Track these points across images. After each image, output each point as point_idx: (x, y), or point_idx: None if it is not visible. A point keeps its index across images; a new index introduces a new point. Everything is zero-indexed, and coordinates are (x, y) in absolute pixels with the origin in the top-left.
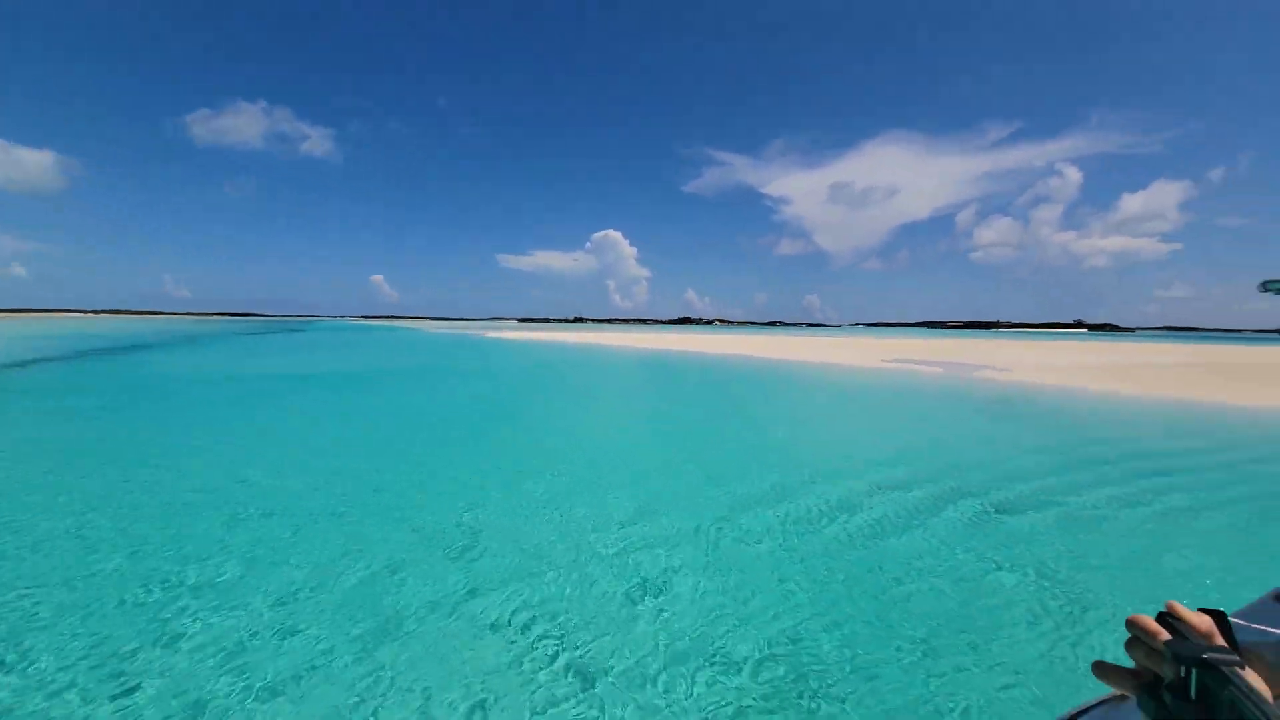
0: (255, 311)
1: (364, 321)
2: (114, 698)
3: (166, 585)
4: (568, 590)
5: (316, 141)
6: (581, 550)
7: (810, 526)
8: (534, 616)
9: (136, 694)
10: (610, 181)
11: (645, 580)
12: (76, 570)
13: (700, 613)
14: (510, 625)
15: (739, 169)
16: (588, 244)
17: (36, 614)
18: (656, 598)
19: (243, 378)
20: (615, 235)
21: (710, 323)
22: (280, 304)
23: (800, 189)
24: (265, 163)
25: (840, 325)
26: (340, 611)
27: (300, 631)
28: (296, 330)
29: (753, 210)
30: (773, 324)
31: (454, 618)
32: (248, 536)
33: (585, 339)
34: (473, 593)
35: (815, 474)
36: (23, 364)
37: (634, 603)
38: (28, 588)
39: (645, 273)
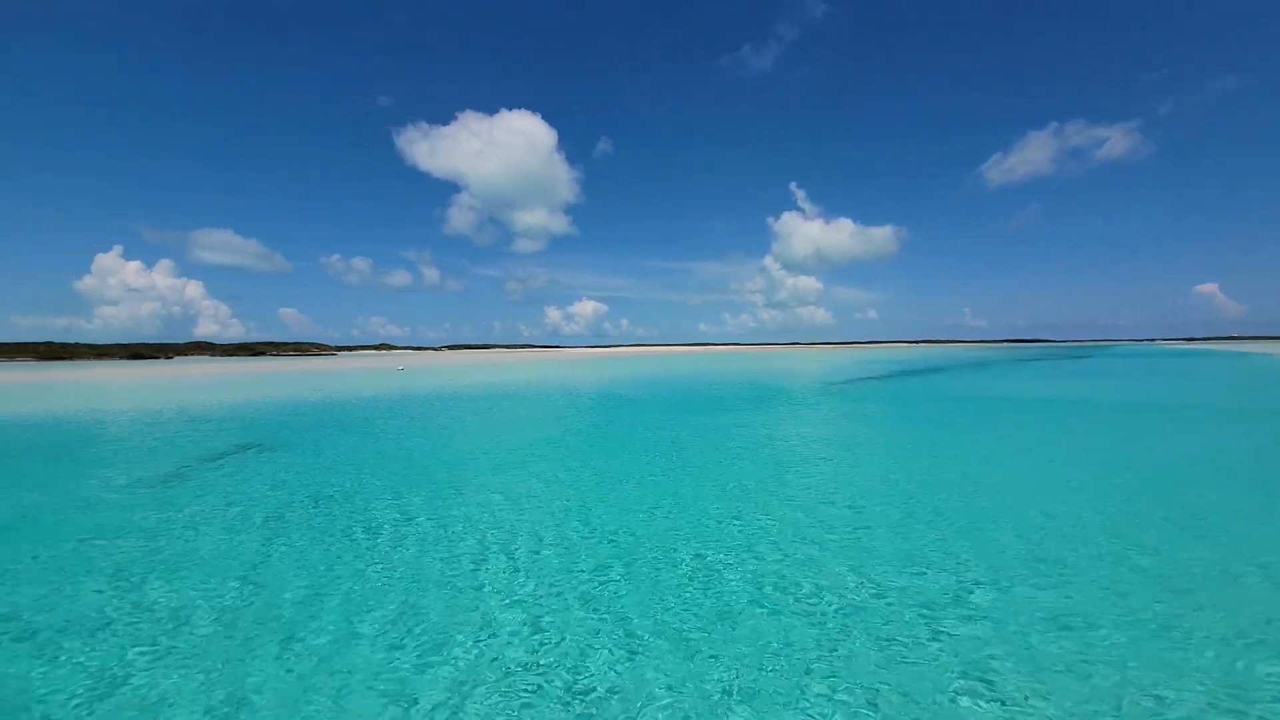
0: (1037, 338)
1: (1183, 345)
2: None
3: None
4: None
5: (1116, 141)
6: None
7: None
8: None
9: None
10: None
11: None
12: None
13: None
14: None
15: None
16: None
17: None
18: None
19: (1002, 399)
20: None
21: None
22: (1064, 329)
23: None
24: (1051, 185)
25: None
26: None
27: None
28: (1080, 356)
29: None
30: None
31: None
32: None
33: None
34: None
35: None
36: (857, 379)
37: None
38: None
39: None
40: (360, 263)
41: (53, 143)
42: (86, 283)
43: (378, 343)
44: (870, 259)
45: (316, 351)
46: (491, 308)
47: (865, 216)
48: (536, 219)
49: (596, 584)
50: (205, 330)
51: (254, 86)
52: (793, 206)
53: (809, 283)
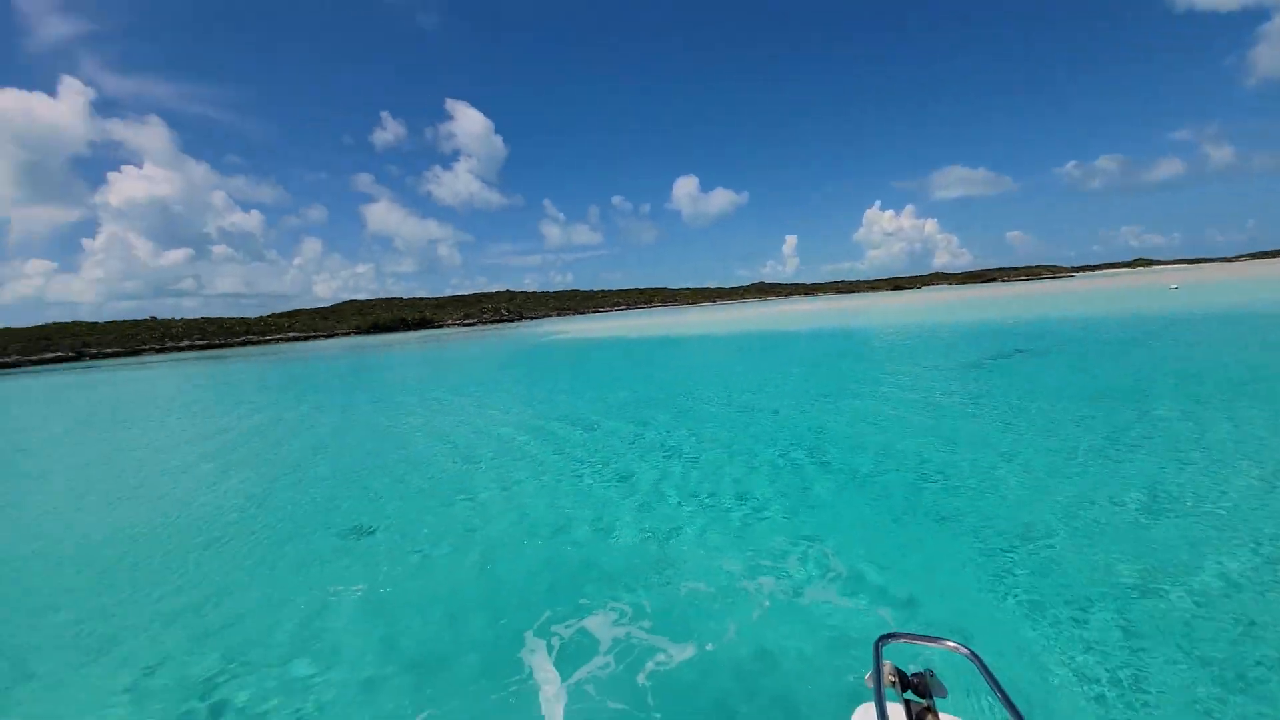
0: None
1: None
2: None
3: None
4: None
5: None
6: None
7: None
8: None
9: None
10: None
11: None
12: None
13: None
14: None
15: None
16: None
17: None
18: None
19: None
20: None
21: None
22: None
23: None
24: None
25: None
26: None
27: None
28: None
29: None
30: None
31: None
32: None
33: None
34: None
35: None
36: None
37: None
38: None
39: None
40: (1106, 162)
41: (827, 123)
42: (859, 234)
43: (1130, 259)
44: None
45: (1049, 274)
46: None
47: None
48: None
49: None
50: (940, 261)
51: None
52: None
53: None
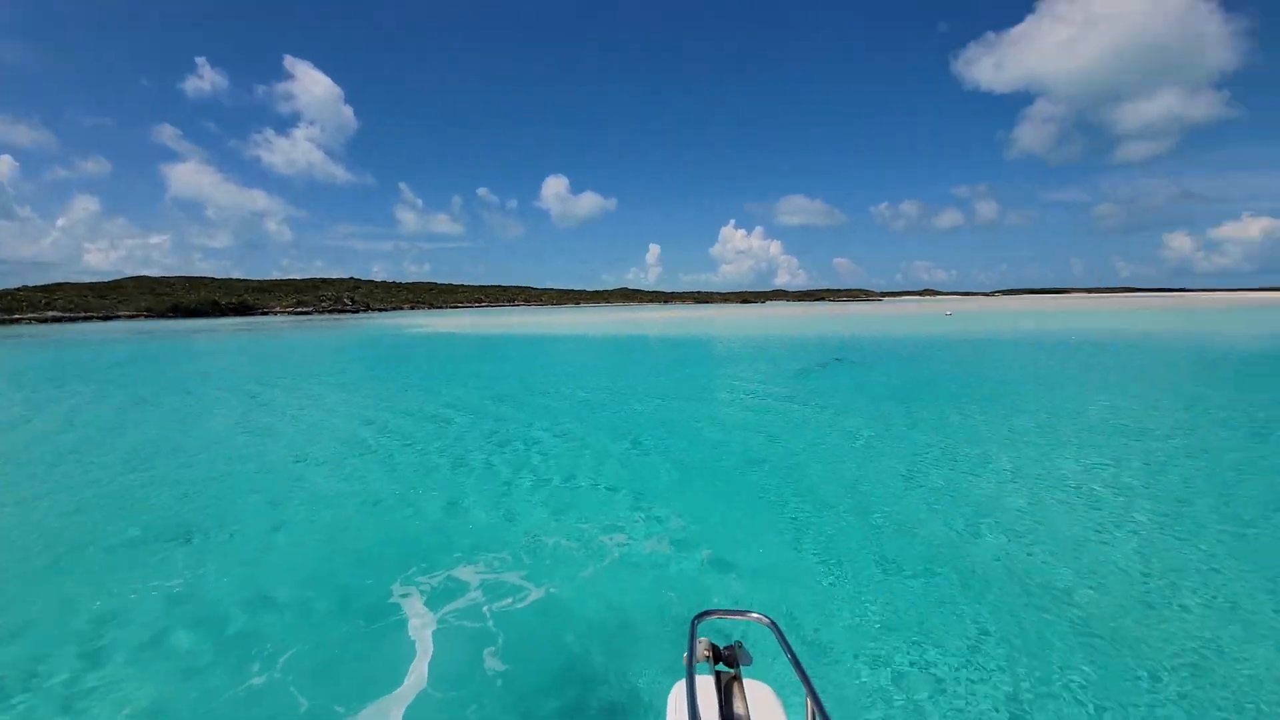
0: None
1: None
2: None
3: None
4: None
5: None
6: None
7: None
8: None
9: None
10: None
11: None
12: None
13: None
14: None
15: None
16: None
17: None
18: None
19: None
20: None
21: None
22: None
23: None
24: None
25: None
26: None
27: None
28: None
29: None
30: None
31: None
32: None
33: None
34: None
35: None
36: None
37: None
38: None
39: None
40: (909, 207)
41: (686, 143)
42: (715, 249)
43: (921, 288)
44: None
45: (864, 297)
46: (1069, 242)
47: None
48: (1159, 108)
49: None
50: (781, 280)
51: (815, 43)
52: None
53: None
